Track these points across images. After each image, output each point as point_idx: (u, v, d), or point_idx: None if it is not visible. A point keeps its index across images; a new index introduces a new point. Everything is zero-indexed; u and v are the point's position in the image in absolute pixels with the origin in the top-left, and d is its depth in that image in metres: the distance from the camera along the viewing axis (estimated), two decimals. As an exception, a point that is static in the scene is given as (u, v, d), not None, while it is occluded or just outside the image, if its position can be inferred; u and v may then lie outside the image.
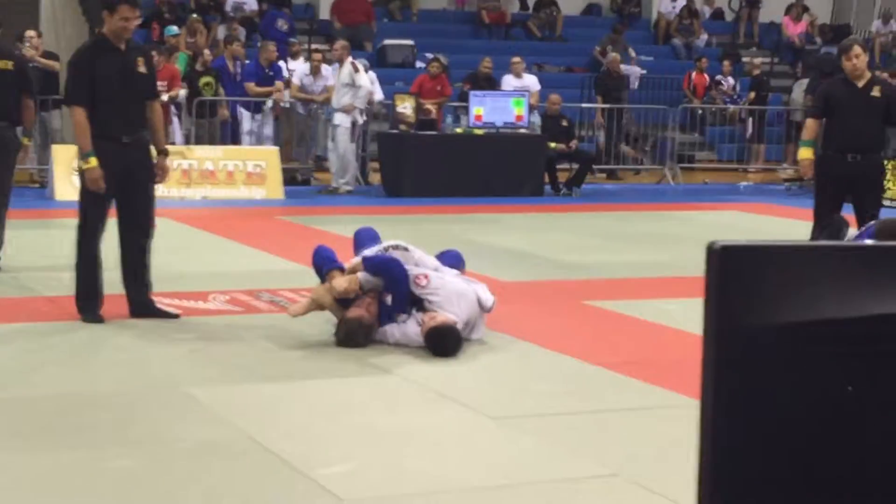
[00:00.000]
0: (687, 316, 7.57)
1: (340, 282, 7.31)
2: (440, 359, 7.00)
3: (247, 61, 18.41)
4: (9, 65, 9.87)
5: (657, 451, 5.38)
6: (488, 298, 7.47)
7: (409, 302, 7.31)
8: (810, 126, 10.08)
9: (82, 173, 7.84)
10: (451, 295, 7.27)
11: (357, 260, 7.56)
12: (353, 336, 7.19)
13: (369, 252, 7.58)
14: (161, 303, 8.43)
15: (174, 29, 18.80)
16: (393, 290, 7.30)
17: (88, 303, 7.84)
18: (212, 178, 16.14)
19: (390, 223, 12.44)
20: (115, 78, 7.80)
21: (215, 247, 11.67)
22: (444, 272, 7.59)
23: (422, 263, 7.53)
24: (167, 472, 5.01)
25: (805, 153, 10.03)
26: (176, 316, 8.00)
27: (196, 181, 16.03)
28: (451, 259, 8.09)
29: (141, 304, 7.98)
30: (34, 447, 5.30)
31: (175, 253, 11.03)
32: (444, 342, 7.09)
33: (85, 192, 7.82)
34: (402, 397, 6.31)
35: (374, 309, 7.29)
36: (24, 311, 8.13)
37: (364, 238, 8.07)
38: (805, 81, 21.04)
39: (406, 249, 7.57)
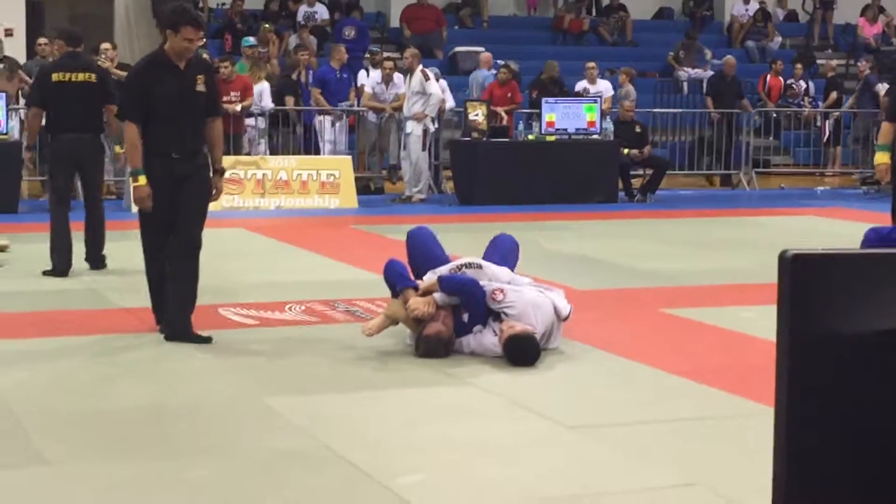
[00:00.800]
0: (764, 323, 7.49)
1: (418, 303, 7.28)
2: (516, 368, 6.99)
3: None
4: (91, 77, 10.23)
5: (735, 460, 5.34)
6: (565, 307, 7.44)
7: (486, 315, 7.31)
8: (886, 130, 9.94)
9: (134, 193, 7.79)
10: (528, 307, 7.24)
11: (432, 279, 7.49)
12: (433, 352, 7.19)
13: (444, 271, 7.54)
14: (238, 313, 8.50)
15: (250, 40, 18.92)
16: (470, 308, 7.30)
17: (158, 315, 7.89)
18: (286, 188, 16.24)
19: (464, 231, 12.47)
20: (171, 97, 7.64)
21: (290, 256, 11.74)
22: (519, 283, 7.57)
23: (495, 278, 7.50)
24: (245, 482, 5.04)
25: (881, 158, 9.90)
26: (210, 340, 7.61)
27: (270, 191, 16.14)
28: (504, 246, 8.03)
29: (179, 327, 7.64)
30: (112, 458, 5.35)
31: (250, 263, 11.13)
32: (523, 351, 7.07)
33: (140, 210, 7.77)
34: (477, 407, 6.30)
35: (451, 322, 7.29)
36: (101, 322, 8.22)
37: (421, 241, 8.00)
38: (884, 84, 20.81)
39: (479, 267, 7.54)
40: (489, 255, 7.94)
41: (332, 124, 17.81)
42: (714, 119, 19.50)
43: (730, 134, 19.39)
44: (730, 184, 19.64)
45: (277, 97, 17.56)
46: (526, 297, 7.31)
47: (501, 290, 7.29)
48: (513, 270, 7.92)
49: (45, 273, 10.15)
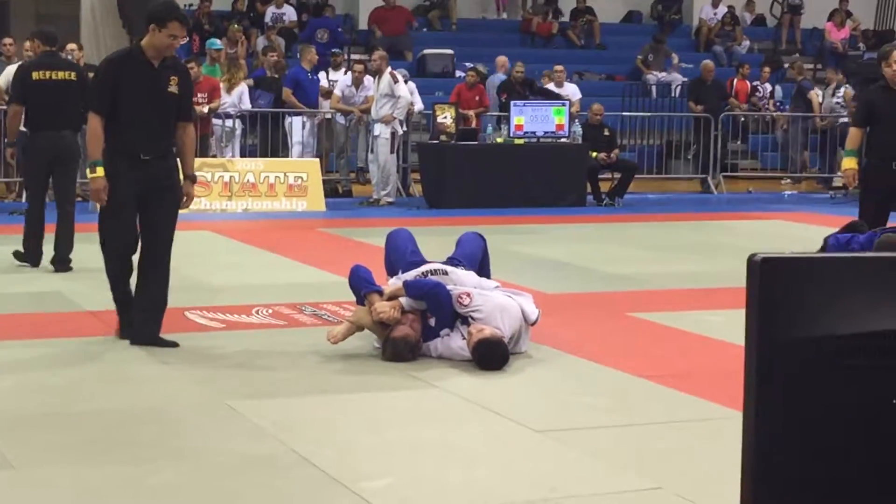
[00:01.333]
0: (731, 327, 7.51)
1: (384, 307, 7.25)
2: (483, 372, 6.98)
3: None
4: (71, 75, 10.38)
5: (701, 464, 5.34)
6: (533, 311, 7.43)
7: (453, 319, 7.29)
8: (853, 135, 9.97)
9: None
10: (495, 310, 7.23)
11: (397, 284, 7.45)
12: (400, 355, 7.16)
13: (410, 277, 7.50)
14: (205, 316, 8.47)
15: (217, 42, 18.88)
16: (437, 313, 7.28)
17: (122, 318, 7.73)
18: (253, 191, 16.20)
19: (432, 234, 12.44)
20: (141, 94, 7.46)
21: (257, 260, 11.70)
22: (486, 287, 7.55)
23: (461, 283, 7.46)
24: (211, 486, 5.02)
25: (848, 163, 9.93)
26: (176, 345, 7.54)
27: (237, 193, 16.10)
28: (469, 243, 8.01)
29: (145, 331, 7.57)
30: (78, 462, 5.31)
31: (217, 266, 11.09)
32: (491, 355, 7.06)
33: (102, 205, 7.51)
34: (444, 410, 6.29)
35: (419, 325, 7.27)
36: (67, 326, 8.17)
37: (398, 243, 7.99)
38: (832, 87, 20.93)
39: (445, 273, 7.51)
40: (456, 254, 7.91)
41: (303, 125, 17.78)
42: (698, 121, 19.55)
43: (708, 137, 19.42)
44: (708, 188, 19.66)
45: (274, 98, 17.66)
46: (493, 300, 7.30)
47: (468, 294, 7.27)
48: (486, 265, 7.92)
49: (16, 255, 10.49)
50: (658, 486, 5.06)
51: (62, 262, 10.38)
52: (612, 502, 4.89)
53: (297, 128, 17.77)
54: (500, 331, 7.15)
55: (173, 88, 7.64)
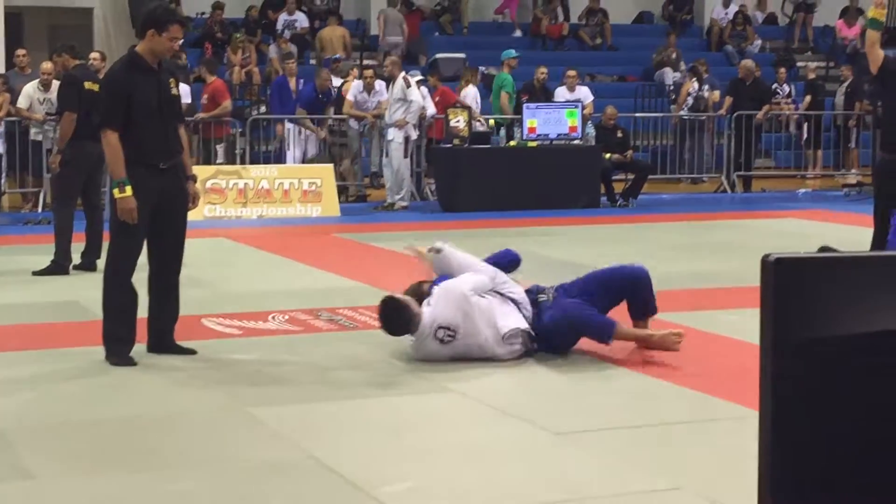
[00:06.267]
0: (748, 326, 7.50)
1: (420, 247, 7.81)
2: (500, 374, 6.99)
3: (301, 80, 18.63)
4: (95, 87, 10.48)
5: (720, 463, 5.35)
6: (505, 326, 7.28)
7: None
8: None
9: (113, 202, 7.30)
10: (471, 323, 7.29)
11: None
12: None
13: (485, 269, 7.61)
14: (222, 324, 8.49)
15: None
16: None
17: (120, 346, 7.36)
18: (268, 197, 16.22)
19: (448, 238, 12.43)
20: (152, 102, 7.36)
21: (273, 266, 11.72)
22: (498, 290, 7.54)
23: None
24: (230, 493, 5.03)
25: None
26: (193, 352, 7.54)
27: (252, 200, 16.12)
28: (508, 263, 7.96)
29: (162, 339, 7.55)
30: (97, 470, 5.34)
31: (233, 273, 11.11)
32: (383, 310, 7.24)
33: (117, 223, 7.29)
34: (463, 414, 6.31)
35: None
36: (85, 335, 8.18)
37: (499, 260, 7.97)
38: (846, 85, 20.86)
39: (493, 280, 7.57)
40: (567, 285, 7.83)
41: (300, 133, 17.94)
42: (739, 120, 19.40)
43: (747, 137, 19.27)
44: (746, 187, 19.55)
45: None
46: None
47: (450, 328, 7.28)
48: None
49: (47, 270, 10.71)
50: (677, 486, 5.06)
51: (90, 265, 10.64)
52: (632, 503, 4.90)
53: (294, 136, 17.91)
54: (445, 318, 7.20)
55: (175, 91, 7.65)
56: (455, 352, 7.25)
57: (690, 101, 20.30)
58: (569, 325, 7.32)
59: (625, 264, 7.99)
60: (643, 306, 7.75)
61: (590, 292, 7.55)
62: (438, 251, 7.72)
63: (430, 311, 7.24)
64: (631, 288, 7.71)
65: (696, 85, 20.38)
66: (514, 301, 7.43)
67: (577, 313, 7.32)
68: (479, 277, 7.48)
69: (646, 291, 7.73)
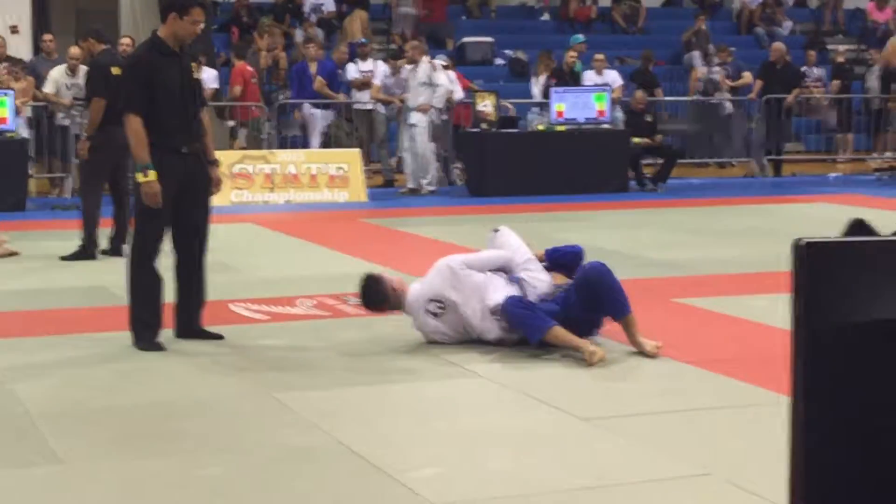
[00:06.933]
0: (777, 312, 7.46)
1: None
2: (525, 359, 6.97)
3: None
4: (120, 71, 10.48)
5: (749, 449, 5.31)
6: (492, 300, 7.23)
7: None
8: None
9: (137, 187, 7.31)
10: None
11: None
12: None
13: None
14: (249, 308, 8.49)
15: None
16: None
17: (147, 332, 7.38)
18: (295, 182, 16.23)
19: (475, 223, 12.44)
20: (175, 87, 7.36)
21: (301, 251, 11.73)
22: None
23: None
24: (258, 478, 5.03)
25: None
26: (221, 337, 7.58)
27: (279, 185, 16.14)
28: (565, 255, 7.86)
29: (189, 324, 7.58)
30: (126, 455, 5.34)
31: (261, 258, 11.12)
32: (361, 285, 7.46)
33: (141, 208, 7.30)
34: (489, 399, 6.29)
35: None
36: (110, 320, 8.19)
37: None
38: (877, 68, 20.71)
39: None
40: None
41: (322, 115, 18.00)
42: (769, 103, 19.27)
43: (778, 121, 19.19)
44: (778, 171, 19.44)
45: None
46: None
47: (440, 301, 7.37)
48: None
49: (75, 255, 10.82)
50: (707, 472, 5.03)
51: (118, 250, 10.60)
52: (661, 489, 4.87)
53: (319, 119, 17.93)
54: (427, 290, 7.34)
55: (197, 75, 7.66)
56: (451, 326, 7.33)
57: (700, 85, 20.21)
58: (507, 321, 7.24)
59: (584, 264, 7.51)
60: (610, 306, 7.22)
61: (568, 299, 7.32)
62: (496, 230, 7.79)
63: (420, 286, 7.42)
64: (587, 288, 7.21)
65: (704, 69, 20.30)
66: (526, 286, 7.38)
67: (511, 310, 7.17)
68: (489, 254, 7.58)
69: (601, 290, 7.16)
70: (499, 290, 7.28)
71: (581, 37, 19.69)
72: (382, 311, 7.56)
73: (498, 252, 7.57)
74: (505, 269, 7.47)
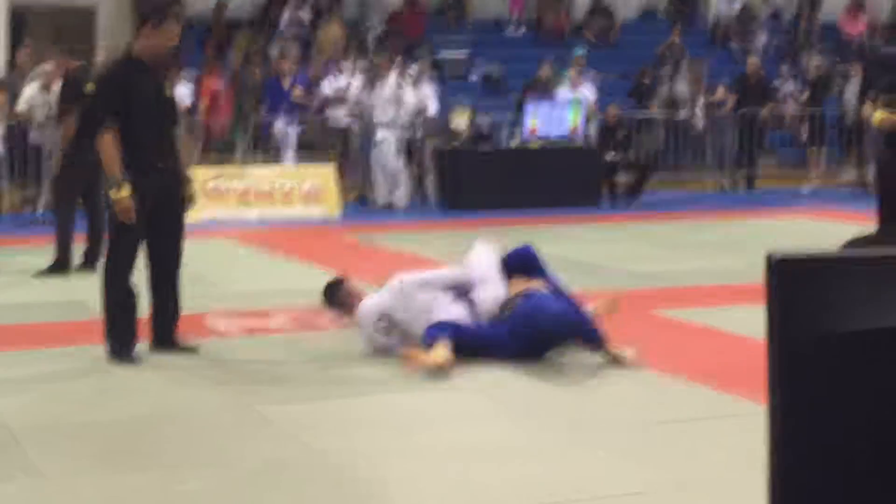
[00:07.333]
0: (754, 323, 7.48)
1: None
2: (507, 371, 6.98)
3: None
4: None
5: (728, 461, 5.32)
6: (434, 320, 7.31)
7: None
8: None
9: (111, 203, 7.25)
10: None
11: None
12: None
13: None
14: (225, 322, 8.48)
15: None
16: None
17: (123, 346, 7.35)
18: (269, 198, 16.20)
19: (449, 238, 12.45)
20: (149, 103, 7.26)
21: (276, 265, 11.71)
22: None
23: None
24: (237, 492, 5.02)
25: None
26: (196, 350, 7.55)
27: (253, 201, 16.10)
28: (517, 258, 7.90)
29: (165, 337, 7.54)
30: (106, 469, 5.33)
31: (236, 272, 11.10)
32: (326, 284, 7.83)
33: (116, 223, 7.25)
34: (470, 411, 6.29)
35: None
36: (86, 334, 8.16)
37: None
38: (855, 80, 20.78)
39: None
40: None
41: (295, 126, 17.98)
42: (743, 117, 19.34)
43: (751, 135, 19.30)
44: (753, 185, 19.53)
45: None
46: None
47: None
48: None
49: (49, 270, 10.68)
50: (686, 484, 5.05)
51: (92, 265, 10.50)
52: (640, 501, 4.88)
53: (291, 135, 17.89)
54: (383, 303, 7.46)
55: (169, 91, 7.62)
56: (401, 341, 7.36)
57: (669, 100, 20.29)
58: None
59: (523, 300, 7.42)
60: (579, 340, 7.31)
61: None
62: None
63: (371, 301, 7.56)
64: (534, 326, 7.26)
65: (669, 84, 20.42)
66: (473, 307, 7.44)
67: (428, 334, 7.28)
68: (446, 273, 7.71)
69: (547, 325, 7.23)
70: (443, 310, 7.35)
71: (580, 50, 19.71)
72: (340, 312, 7.77)
73: (454, 272, 7.68)
74: (464, 288, 7.51)
